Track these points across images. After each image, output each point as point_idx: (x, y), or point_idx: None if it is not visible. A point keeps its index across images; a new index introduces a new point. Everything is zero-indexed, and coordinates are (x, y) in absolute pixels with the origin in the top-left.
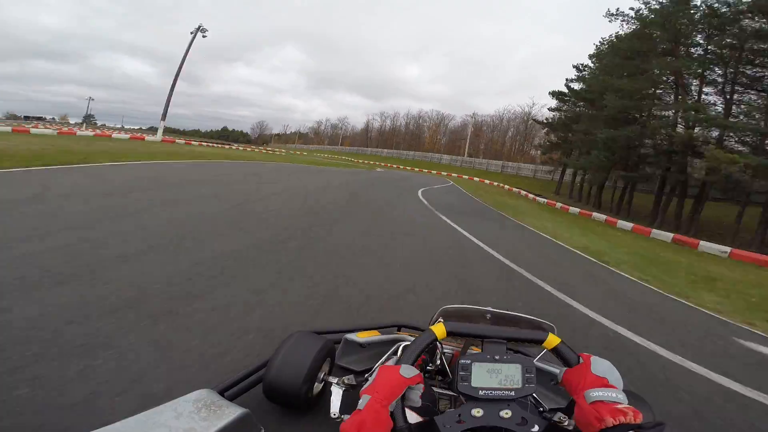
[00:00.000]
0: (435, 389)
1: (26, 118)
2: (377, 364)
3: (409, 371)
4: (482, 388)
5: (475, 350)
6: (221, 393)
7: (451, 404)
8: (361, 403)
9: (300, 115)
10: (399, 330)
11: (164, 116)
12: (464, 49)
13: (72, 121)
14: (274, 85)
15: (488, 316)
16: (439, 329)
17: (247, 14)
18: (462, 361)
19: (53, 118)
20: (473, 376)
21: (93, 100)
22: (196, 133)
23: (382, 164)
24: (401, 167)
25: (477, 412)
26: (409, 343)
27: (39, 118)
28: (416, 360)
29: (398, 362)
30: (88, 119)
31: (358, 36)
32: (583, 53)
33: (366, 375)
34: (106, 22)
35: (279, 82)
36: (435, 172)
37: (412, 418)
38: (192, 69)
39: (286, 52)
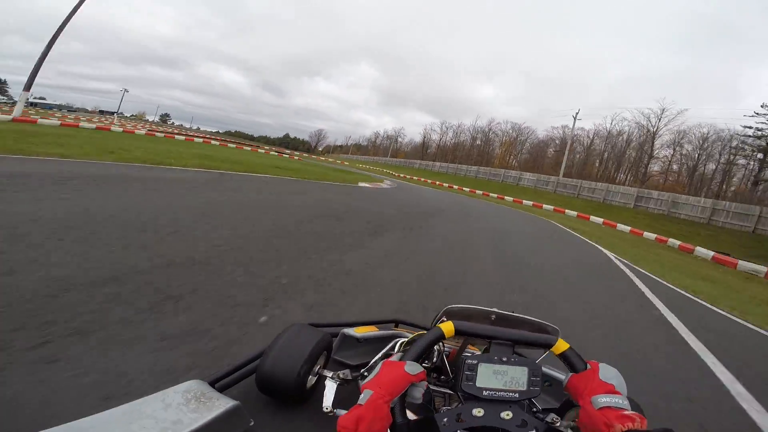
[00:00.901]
0: (430, 386)
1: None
2: (374, 359)
3: (413, 368)
4: (486, 389)
5: (472, 349)
6: (212, 384)
7: (445, 401)
8: (363, 397)
9: (369, 131)
10: (396, 326)
11: (28, 86)
12: (544, 68)
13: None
14: (349, 100)
15: (493, 317)
16: (447, 327)
17: (328, 30)
18: (468, 361)
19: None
20: (479, 376)
21: (127, 91)
22: (262, 139)
23: (417, 178)
24: (452, 187)
25: (478, 411)
26: (406, 339)
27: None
28: (421, 357)
29: (402, 358)
30: (164, 117)
31: (430, 54)
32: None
33: (362, 370)
34: (207, 33)
35: (353, 97)
36: (511, 198)
37: (409, 415)
38: (277, 81)
39: (361, 69)
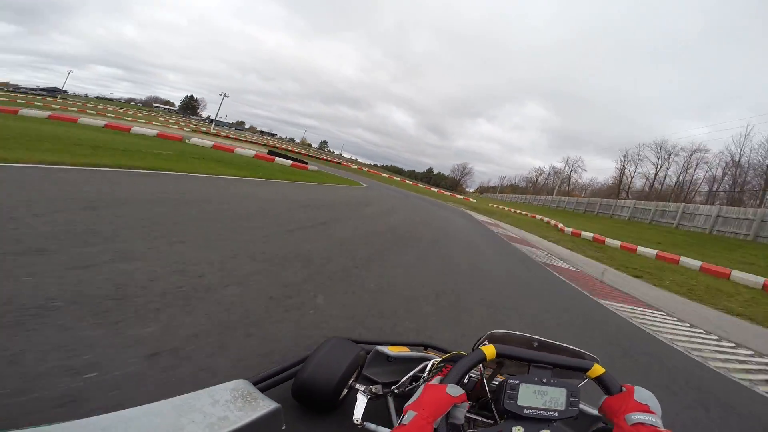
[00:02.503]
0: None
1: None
2: (403, 379)
3: (455, 390)
4: (527, 407)
5: (500, 378)
6: (255, 384)
7: (469, 425)
8: (406, 418)
9: (528, 171)
10: (426, 349)
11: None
12: None
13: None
14: (512, 142)
15: (535, 344)
16: (489, 350)
17: (492, 70)
18: (511, 380)
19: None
20: (520, 395)
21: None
22: (410, 173)
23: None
24: None
25: (518, 429)
26: (435, 360)
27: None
28: (462, 378)
29: (443, 381)
30: (322, 144)
31: (614, 90)
32: None
33: (392, 387)
34: (381, 75)
35: (518, 140)
36: None
37: None
38: (440, 122)
39: (528, 109)
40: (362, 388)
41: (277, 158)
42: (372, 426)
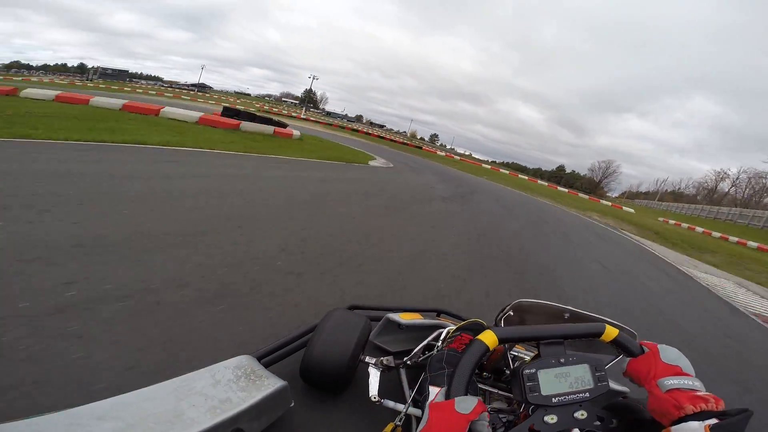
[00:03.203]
0: (482, 386)
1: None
2: (416, 349)
3: (465, 405)
4: (555, 395)
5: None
6: (260, 359)
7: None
8: None
9: (699, 177)
10: (438, 315)
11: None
12: None
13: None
14: (671, 142)
15: (567, 315)
16: (489, 338)
17: (642, 59)
18: (526, 371)
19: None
20: (541, 384)
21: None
22: (536, 172)
23: None
24: None
25: (551, 419)
26: (449, 328)
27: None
28: (469, 382)
29: (449, 393)
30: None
31: None
32: None
33: (405, 359)
34: (503, 68)
35: (679, 139)
36: None
37: None
38: (576, 118)
39: (694, 104)
40: (373, 361)
41: (244, 123)
42: (390, 403)
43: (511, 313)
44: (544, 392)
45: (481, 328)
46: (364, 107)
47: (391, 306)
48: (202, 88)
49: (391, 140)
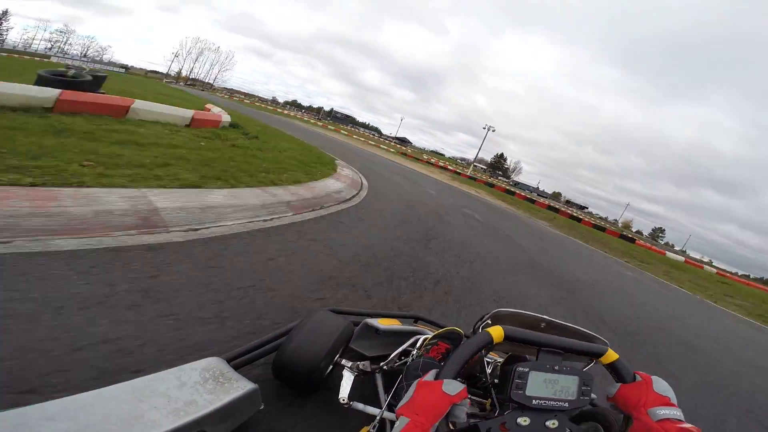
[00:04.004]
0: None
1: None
2: (393, 354)
3: (453, 387)
4: (536, 398)
5: (493, 356)
6: (230, 361)
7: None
8: (398, 425)
9: None
10: (416, 322)
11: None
12: None
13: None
14: None
15: (543, 325)
16: (496, 332)
17: None
18: (519, 368)
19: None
20: (528, 384)
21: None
22: None
23: None
24: None
25: (524, 420)
26: (426, 336)
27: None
28: (462, 368)
29: (439, 375)
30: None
31: None
32: None
33: (381, 364)
34: None
35: None
36: None
37: None
38: None
39: None
40: (349, 364)
41: None
42: (360, 405)
43: (489, 322)
44: (528, 392)
45: (458, 337)
46: (565, 185)
47: (370, 311)
48: (402, 141)
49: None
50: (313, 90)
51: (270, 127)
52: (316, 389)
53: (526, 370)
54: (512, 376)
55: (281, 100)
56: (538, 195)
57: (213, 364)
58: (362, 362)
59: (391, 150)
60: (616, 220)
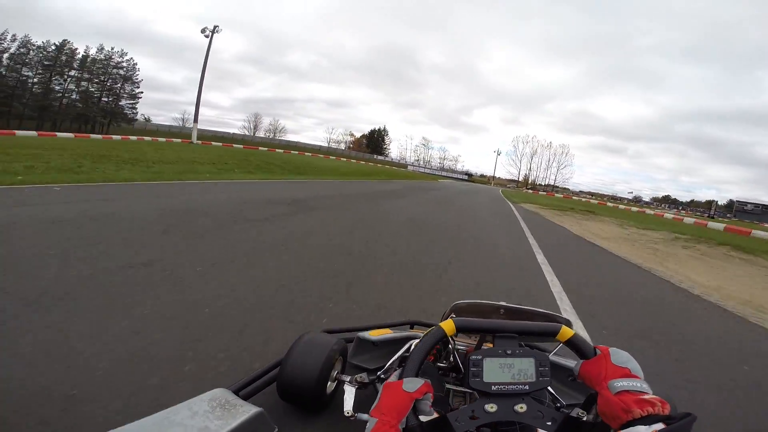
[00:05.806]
0: (448, 386)
1: None
2: (390, 361)
3: (412, 384)
4: (495, 383)
5: (488, 346)
6: (236, 392)
7: (465, 401)
8: (368, 426)
9: None
10: (411, 327)
11: (195, 117)
12: None
13: None
14: None
15: (502, 311)
16: (447, 326)
17: None
18: (473, 357)
19: None
20: (485, 371)
21: None
22: None
23: None
24: None
25: (491, 407)
26: (418, 340)
27: None
28: (420, 365)
29: (401, 374)
30: None
31: None
32: None
33: (379, 373)
34: None
35: None
36: None
37: (424, 417)
38: None
39: None
40: (348, 378)
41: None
42: (364, 416)
43: (453, 316)
44: (485, 379)
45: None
46: None
47: (363, 325)
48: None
49: None
50: (688, 182)
51: None
52: (325, 406)
53: (480, 357)
54: (468, 365)
55: (646, 198)
56: None
57: (218, 394)
58: (360, 375)
59: None
60: None
